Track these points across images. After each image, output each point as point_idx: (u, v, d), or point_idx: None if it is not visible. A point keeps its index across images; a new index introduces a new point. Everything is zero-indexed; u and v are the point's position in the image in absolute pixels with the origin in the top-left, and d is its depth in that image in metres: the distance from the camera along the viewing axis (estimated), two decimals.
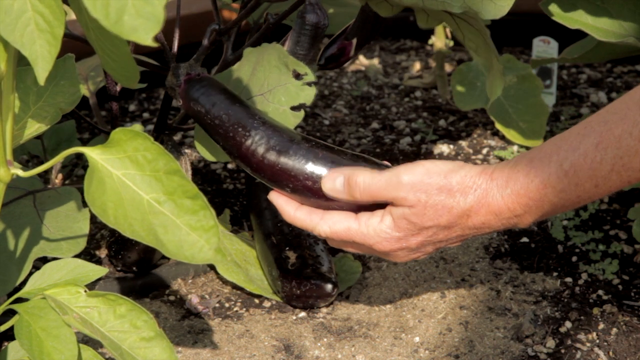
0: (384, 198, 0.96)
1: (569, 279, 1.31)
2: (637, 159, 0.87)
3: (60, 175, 1.39)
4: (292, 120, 1.08)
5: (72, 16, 1.79)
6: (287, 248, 1.26)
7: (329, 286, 1.23)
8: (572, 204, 0.91)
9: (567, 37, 1.60)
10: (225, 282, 1.32)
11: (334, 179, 0.98)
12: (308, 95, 1.08)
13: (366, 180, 0.97)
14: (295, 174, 0.99)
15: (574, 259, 1.35)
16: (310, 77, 1.08)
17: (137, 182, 0.85)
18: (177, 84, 1.05)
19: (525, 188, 0.91)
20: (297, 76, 1.08)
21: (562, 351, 1.17)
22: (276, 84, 1.09)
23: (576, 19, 1.28)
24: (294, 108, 1.08)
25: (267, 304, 1.27)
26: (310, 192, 0.99)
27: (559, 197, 0.90)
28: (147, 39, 0.72)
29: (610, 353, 1.17)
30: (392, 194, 0.95)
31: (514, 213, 0.93)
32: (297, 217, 1.01)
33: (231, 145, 1.02)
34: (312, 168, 0.99)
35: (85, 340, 1.17)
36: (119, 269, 1.31)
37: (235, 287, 1.30)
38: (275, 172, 0.99)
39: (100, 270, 1.00)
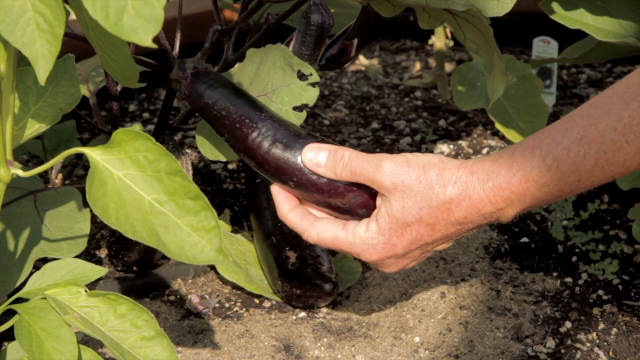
0: (363, 177, 0.97)
1: (569, 279, 1.31)
2: (621, 153, 0.86)
3: (60, 175, 1.39)
4: (294, 121, 1.08)
5: (73, 16, 1.79)
6: (287, 248, 1.26)
7: (329, 286, 1.23)
8: (554, 197, 0.91)
9: (567, 37, 1.60)
10: (225, 282, 1.32)
11: (317, 151, 0.98)
12: (311, 95, 1.08)
13: (351, 156, 0.97)
14: (300, 168, 0.99)
15: (574, 259, 1.35)
16: (315, 77, 1.08)
17: (139, 182, 0.85)
18: (184, 77, 1.05)
19: (507, 182, 0.91)
20: (302, 77, 1.08)
21: (562, 351, 1.17)
22: (280, 85, 1.09)
23: (576, 19, 1.28)
24: (296, 108, 1.08)
25: (267, 304, 1.27)
26: (314, 186, 0.99)
27: (541, 191, 0.90)
28: (146, 40, 0.72)
29: (610, 353, 1.17)
30: (371, 175, 0.96)
31: (497, 207, 0.92)
32: (289, 217, 1.02)
33: (237, 137, 1.02)
34: None
35: (85, 340, 1.17)
36: (119, 269, 1.31)
37: (235, 287, 1.30)
38: (280, 165, 0.99)
39: (100, 270, 1.00)
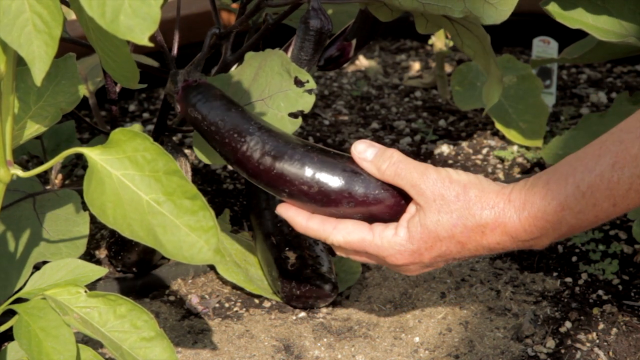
0: (406, 180, 0.97)
1: (569, 279, 1.31)
2: None
3: (60, 176, 1.39)
4: (289, 127, 1.09)
5: (73, 16, 1.79)
6: (287, 248, 1.26)
7: (329, 287, 1.23)
8: (589, 224, 0.92)
9: (567, 37, 1.60)
10: (225, 282, 1.32)
11: (367, 146, 1.00)
12: (307, 102, 1.08)
13: (399, 158, 0.98)
14: (290, 179, 0.99)
15: (574, 259, 1.35)
16: (312, 84, 1.08)
17: (137, 182, 0.85)
18: (175, 91, 1.05)
19: (543, 211, 0.92)
20: (299, 83, 1.08)
21: (562, 351, 1.17)
22: (277, 90, 1.09)
23: (577, 19, 1.28)
24: (291, 114, 1.08)
25: (267, 304, 1.27)
26: (306, 196, 1.00)
27: (576, 219, 0.91)
28: (142, 39, 0.72)
29: (610, 353, 1.17)
30: (415, 181, 0.97)
31: (531, 236, 0.93)
32: (309, 227, 1.01)
33: (227, 151, 1.02)
34: (308, 172, 0.99)
35: (85, 340, 1.17)
36: (118, 269, 1.31)
37: (235, 287, 1.30)
38: (271, 177, 1.00)
39: (100, 271, 1.00)
